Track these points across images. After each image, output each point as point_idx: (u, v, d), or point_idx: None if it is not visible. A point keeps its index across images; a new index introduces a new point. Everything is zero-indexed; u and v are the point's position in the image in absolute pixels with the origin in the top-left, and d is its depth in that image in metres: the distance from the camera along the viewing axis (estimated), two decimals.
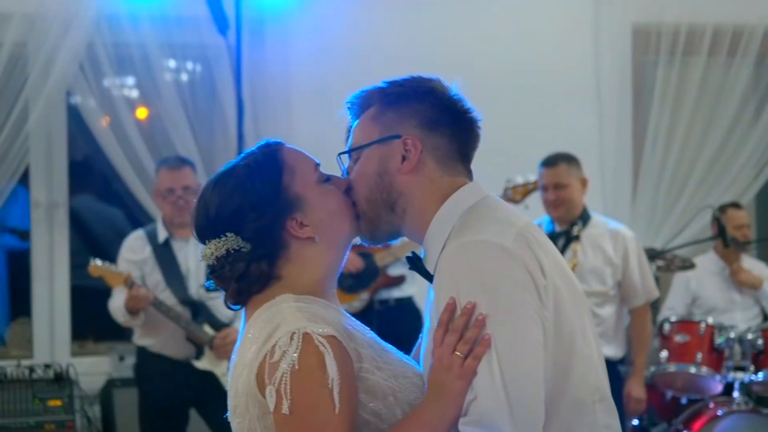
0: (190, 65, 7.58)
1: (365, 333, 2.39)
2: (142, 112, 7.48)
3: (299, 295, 2.29)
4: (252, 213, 2.31)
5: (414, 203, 2.37)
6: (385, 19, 7.48)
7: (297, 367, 2.08)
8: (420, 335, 2.73)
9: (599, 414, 2.30)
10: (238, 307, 2.41)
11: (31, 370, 6.57)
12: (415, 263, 2.48)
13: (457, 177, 2.42)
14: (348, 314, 2.47)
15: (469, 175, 2.47)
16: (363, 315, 6.63)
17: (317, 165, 2.47)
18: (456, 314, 2.18)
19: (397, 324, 6.44)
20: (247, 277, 2.33)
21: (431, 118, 2.40)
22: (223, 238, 2.32)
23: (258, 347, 2.18)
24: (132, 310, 6.15)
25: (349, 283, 6.81)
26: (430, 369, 2.24)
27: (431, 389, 2.21)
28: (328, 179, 2.45)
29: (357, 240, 2.53)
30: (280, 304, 2.26)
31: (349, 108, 2.54)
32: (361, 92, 2.51)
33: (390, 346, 2.45)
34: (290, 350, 2.10)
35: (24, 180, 7.25)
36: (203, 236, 2.40)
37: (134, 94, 7.49)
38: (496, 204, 2.45)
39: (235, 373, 2.29)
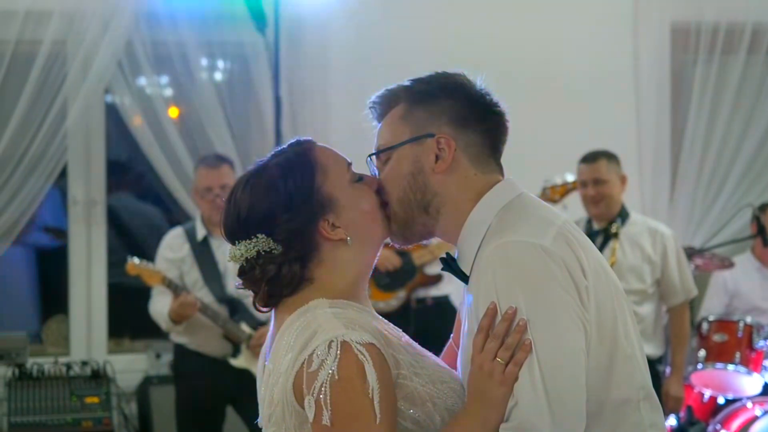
0: (228, 63, 7.59)
1: (400, 337, 2.36)
2: (179, 111, 7.49)
3: (333, 300, 2.24)
4: (284, 214, 2.27)
5: (448, 203, 2.33)
6: (423, 16, 7.47)
7: (336, 377, 2.04)
8: (451, 335, 2.70)
9: (644, 413, 2.27)
10: (268, 309, 2.37)
11: (69, 367, 6.61)
12: (449, 264, 2.44)
13: (490, 174, 2.38)
14: (380, 316, 2.42)
15: (500, 170, 2.43)
16: (400, 314, 6.64)
17: (349, 164, 2.43)
18: (496, 319, 2.14)
19: (435, 323, 6.43)
20: (279, 280, 2.28)
21: (462, 115, 2.36)
22: (254, 240, 2.28)
23: (294, 355, 2.14)
24: (177, 320, 6.16)
25: (386, 282, 6.81)
26: (470, 375, 2.20)
27: (472, 396, 2.18)
28: (360, 179, 2.41)
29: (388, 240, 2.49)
30: (315, 309, 2.22)
31: (371, 108, 2.48)
32: (384, 92, 2.46)
33: (423, 349, 2.41)
34: (329, 359, 2.06)
35: (61, 178, 7.27)
36: (233, 237, 2.35)
37: (172, 92, 7.51)
38: (532, 201, 2.40)
39: (270, 381, 2.24)
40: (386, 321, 2.41)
